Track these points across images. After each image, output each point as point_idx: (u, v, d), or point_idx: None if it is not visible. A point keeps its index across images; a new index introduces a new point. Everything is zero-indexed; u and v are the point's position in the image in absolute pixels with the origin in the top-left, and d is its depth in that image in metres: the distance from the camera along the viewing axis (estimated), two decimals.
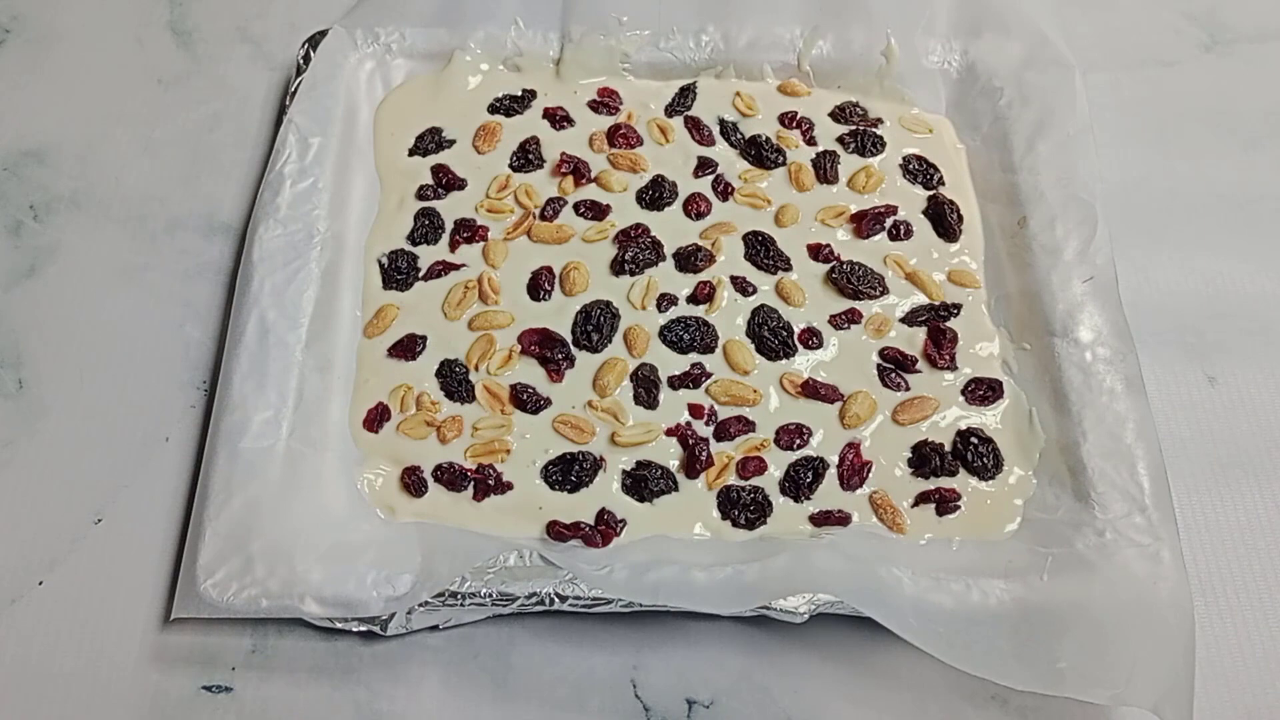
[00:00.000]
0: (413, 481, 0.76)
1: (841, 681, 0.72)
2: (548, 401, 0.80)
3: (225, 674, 0.72)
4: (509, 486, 0.77)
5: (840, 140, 0.95)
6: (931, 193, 0.92)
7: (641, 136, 0.95)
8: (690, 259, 0.86)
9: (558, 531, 0.74)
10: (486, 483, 0.76)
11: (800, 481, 0.77)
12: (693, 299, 0.85)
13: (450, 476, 0.77)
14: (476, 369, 0.82)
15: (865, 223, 0.89)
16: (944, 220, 0.89)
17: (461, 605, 0.70)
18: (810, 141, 0.95)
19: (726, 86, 0.98)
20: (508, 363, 0.82)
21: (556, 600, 0.70)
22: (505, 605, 0.70)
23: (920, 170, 0.93)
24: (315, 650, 0.73)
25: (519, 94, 0.97)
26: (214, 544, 0.70)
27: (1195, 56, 1.05)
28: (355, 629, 0.71)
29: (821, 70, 0.98)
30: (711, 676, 0.72)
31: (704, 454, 0.77)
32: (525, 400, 0.80)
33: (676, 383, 0.81)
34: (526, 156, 0.93)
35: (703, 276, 0.86)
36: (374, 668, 0.72)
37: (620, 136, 0.94)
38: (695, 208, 0.90)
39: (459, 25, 0.98)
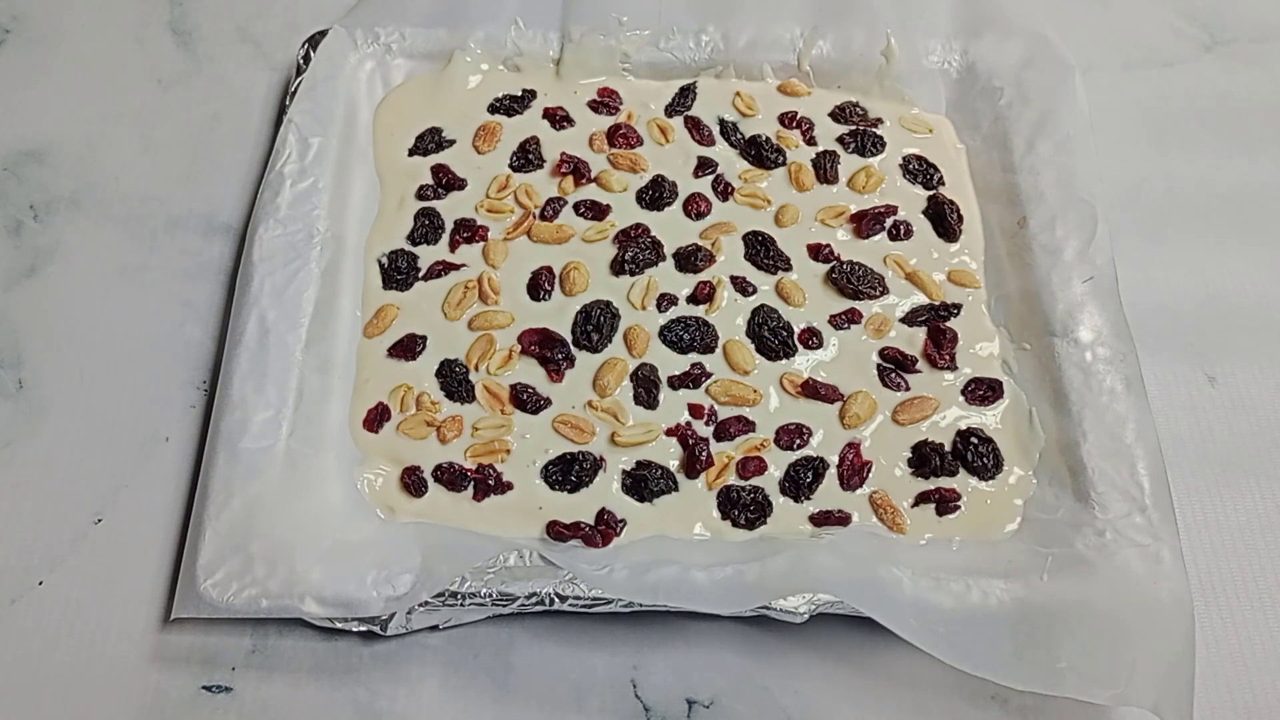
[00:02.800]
0: (413, 481, 0.76)
1: (841, 681, 0.72)
2: (548, 401, 0.80)
3: (225, 674, 0.72)
4: (509, 486, 0.77)
5: (840, 140, 0.95)
6: (931, 193, 0.92)
7: (641, 136, 0.95)
8: (690, 259, 0.86)
9: (558, 531, 0.74)
10: (486, 483, 0.76)
11: (800, 481, 0.77)
12: (693, 299, 0.85)
13: (450, 476, 0.77)
14: (476, 369, 0.82)
15: (865, 223, 0.89)
16: (944, 220, 0.89)
17: (461, 605, 0.70)
18: (810, 141, 0.95)
19: (726, 86, 0.98)
20: (508, 363, 0.82)
21: (556, 600, 0.70)
22: (505, 605, 0.70)
23: (920, 170, 0.93)
24: (315, 650, 0.73)
25: (519, 94, 0.97)
26: (214, 544, 0.70)
27: (1195, 56, 1.05)
28: (355, 629, 0.71)
29: (821, 70, 0.98)
30: (711, 676, 0.72)
31: (704, 454, 0.77)
32: (525, 400, 0.80)
33: (676, 383, 0.81)
34: (526, 156, 0.93)
35: (703, 276, 0.86)
36: (374, 668, 0.72)
37: (620, 136, 0.94)
38: (695, 208, 0.90)
39: (459, 25, 0.98)
